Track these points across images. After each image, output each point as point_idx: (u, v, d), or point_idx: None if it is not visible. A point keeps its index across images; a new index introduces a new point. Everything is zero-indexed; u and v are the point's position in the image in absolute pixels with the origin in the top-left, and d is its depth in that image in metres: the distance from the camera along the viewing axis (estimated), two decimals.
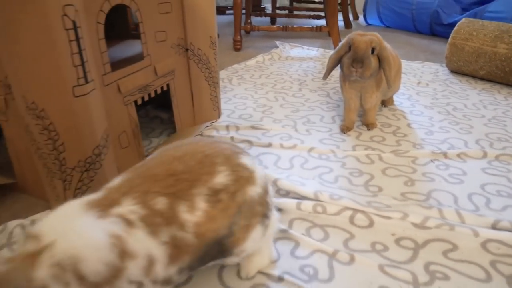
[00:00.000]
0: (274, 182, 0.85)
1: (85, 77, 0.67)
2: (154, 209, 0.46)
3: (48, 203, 0.82)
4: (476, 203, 0.81)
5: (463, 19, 1.76)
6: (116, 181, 0.49)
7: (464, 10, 2.58)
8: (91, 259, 0.41)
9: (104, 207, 0.45)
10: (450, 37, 1.74)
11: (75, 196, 0.73)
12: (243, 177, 0.52)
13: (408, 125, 1.20)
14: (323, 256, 0.67)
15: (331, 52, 2.20)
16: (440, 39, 2.61)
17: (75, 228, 0.42)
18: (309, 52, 2.19)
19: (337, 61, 1.05)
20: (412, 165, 0.96)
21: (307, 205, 0.78)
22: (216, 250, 0.51)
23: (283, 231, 0.73)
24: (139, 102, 0.90)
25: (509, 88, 1.59)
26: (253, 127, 1.16)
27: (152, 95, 0.94)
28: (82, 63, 0.66)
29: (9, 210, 0.81)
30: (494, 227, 0.73)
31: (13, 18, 0.60)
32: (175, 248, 0.46)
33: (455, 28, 1.73)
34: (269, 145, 1.05)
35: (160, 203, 0.46)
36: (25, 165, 0.82)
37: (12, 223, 0.75)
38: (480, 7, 2.32)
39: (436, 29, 2.65)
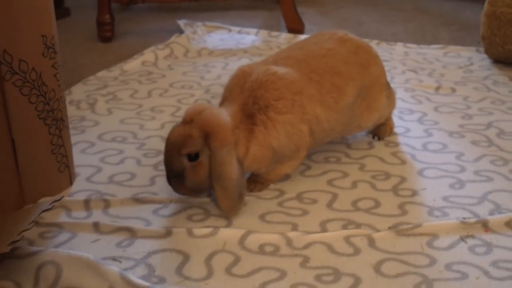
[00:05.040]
0: None
1: None
2: None
3: None
4: None
5: None
6: None
7: None
8: None
9: None
10: (486, 2, 1.74)
11: None
12: None
13: (420, 172, 1.20)
14: None
15: (282, 34, 2.15)
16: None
17: None
18: (241, 38, 2.14)
19: None
20: (428, 250, 0.95)
21: None
22: None
23: None
24: None
25: None
26: (138, 200, 1.11)
27: None
28: None
29: None
30: None
31: None
32: None
33: None
34: (168, 233, 1.00)
35: None
36: None
37: None
38: None
39: None
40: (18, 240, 0.89)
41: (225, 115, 1.05)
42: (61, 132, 1.12)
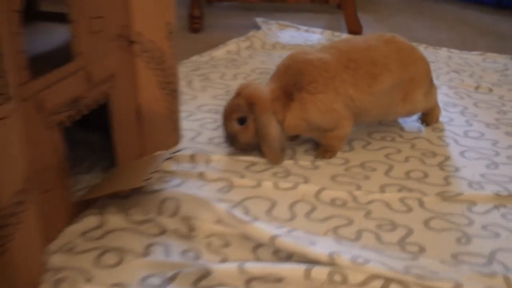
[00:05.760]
0: (271, 240, 0.95)
1: (6, 93, 0.73)
2: None
3: None
4: None
5: None
6: None
7: None
8: None
9: None
10: None
11: None
12: None
13: (462, 153, 1.33)
14: None
15: (344, 35, 2.23)
16: None
17: None
18: (308, 36, 2.24)
19: None
20: (467, 213, 1.09)
21: (321, 272, 0.88)
22: None
23: None
24: (67, 123, 0.97)
25: None
26: (232, 157, 1.27)
27: (85, 112, 1.01)
28: (2, 75, 0.72)
29: None
30: None
31: None
32: None
33: None
34: (258, 185, 1.17)
35: None
36: None
37: None
38: None
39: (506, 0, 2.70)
40: (149, 178, 1.03)
41: (265, 90, 1.22)
42: (174, 100, 1.26)
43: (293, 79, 1.24)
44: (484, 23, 2.61)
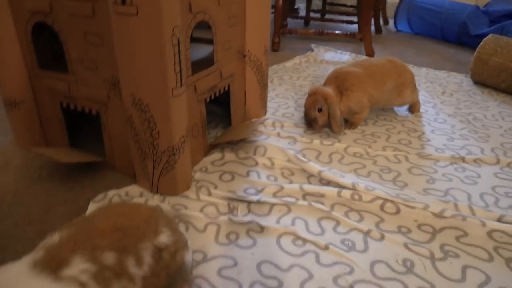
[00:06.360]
0: (318, 173, 0.99)
1: (181, 81, 0.84)
2: (103, 264, 0.45)
3: (134, 179, 1.00)
4: (486, 201, 0.94)
5: (490, 36, 1.83)
6: (56, 237, 0.47)
7: (493, 22, 2.55)
8: None
9: (53, 269, 0.43)
10: (476, 51, 1.82)
11: (161, 174, 0.94)
12: (182, 240, 0.56)
13: (432, 131, 1.34)
14: (359, 233, 0.82)
15: (363, 57, 2.28)
16: (467, 48, 2.63)
17: None
18: (342, 57, 2.23)
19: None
20: (433, 166, 1.09)
21: (346, 193, 0.92)
22: None
23: (326, 212, 0.88)
24: (207, 100, 1.05)
25: None
26: (296, 125, 1.30)
27: (217, 94, 1.05)
28: (180, 71, 0.83)
29: (102, 183, 1.00)
30: (499, 220, 0.87)
31: (134, 36, 0.77)
32: None
33: (481, 43, 1.81)
34: (311, 141, 1.20)
35: (109, 258, 0.46)
36: (116, 147, 1.01)
37: (111, 192, 0.95)
38: (508, 22, 2.31)
39: (464, 39, 2.66)
40: (250, 133, 1.08)
41: (330, 90, 1.22)
42: (265, 90, 1.29)
43: (341, 83, 1.25)
44: (449, 53, 2.56)
